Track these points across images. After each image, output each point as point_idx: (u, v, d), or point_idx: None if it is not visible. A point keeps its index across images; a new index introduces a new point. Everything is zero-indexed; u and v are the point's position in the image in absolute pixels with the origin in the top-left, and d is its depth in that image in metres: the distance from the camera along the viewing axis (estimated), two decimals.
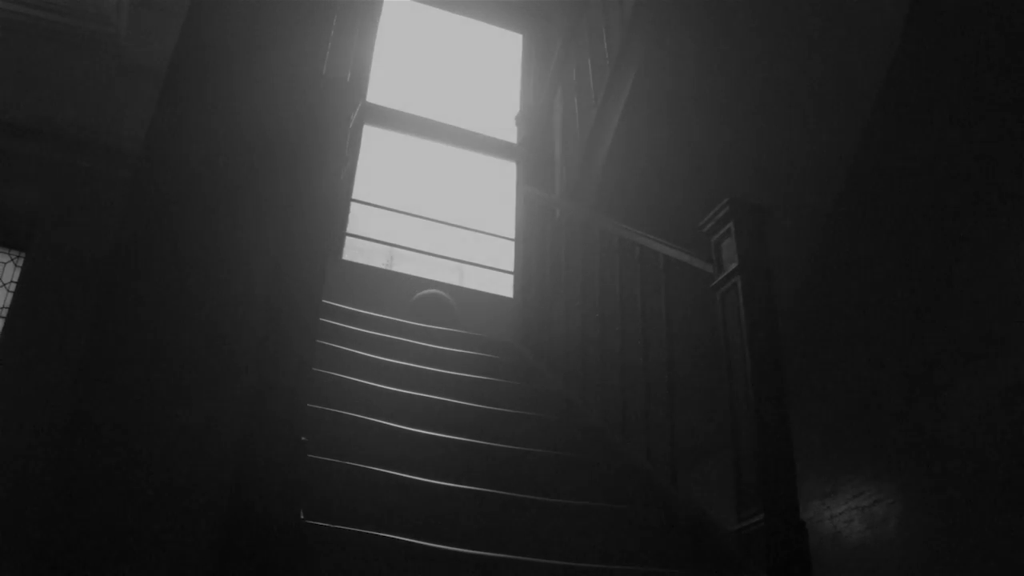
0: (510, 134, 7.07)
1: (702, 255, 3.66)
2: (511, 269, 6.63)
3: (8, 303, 5.10)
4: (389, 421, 3.48)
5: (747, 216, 3.48)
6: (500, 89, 7.52)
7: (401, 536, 2.61)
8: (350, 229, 6.42)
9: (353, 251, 6.40)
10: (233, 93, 2.99)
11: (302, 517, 2.31)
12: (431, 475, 3.15)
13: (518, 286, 6.29)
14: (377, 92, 7.04)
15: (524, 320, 5.59)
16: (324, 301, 4.89)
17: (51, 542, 2.07)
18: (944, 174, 4.92)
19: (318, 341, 4.13)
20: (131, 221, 2.65)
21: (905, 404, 4.84)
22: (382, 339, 4.61)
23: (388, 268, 6.49)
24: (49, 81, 5.62)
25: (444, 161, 7.04)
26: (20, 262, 5.28)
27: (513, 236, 6.75)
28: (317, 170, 2.73)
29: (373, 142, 6.86)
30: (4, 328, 4.93)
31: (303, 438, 2.36)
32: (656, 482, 3.69)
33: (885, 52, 5.27)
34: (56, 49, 5.74)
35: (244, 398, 2.31)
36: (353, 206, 6.50)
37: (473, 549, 2.70)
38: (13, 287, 5.16)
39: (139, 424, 2.26)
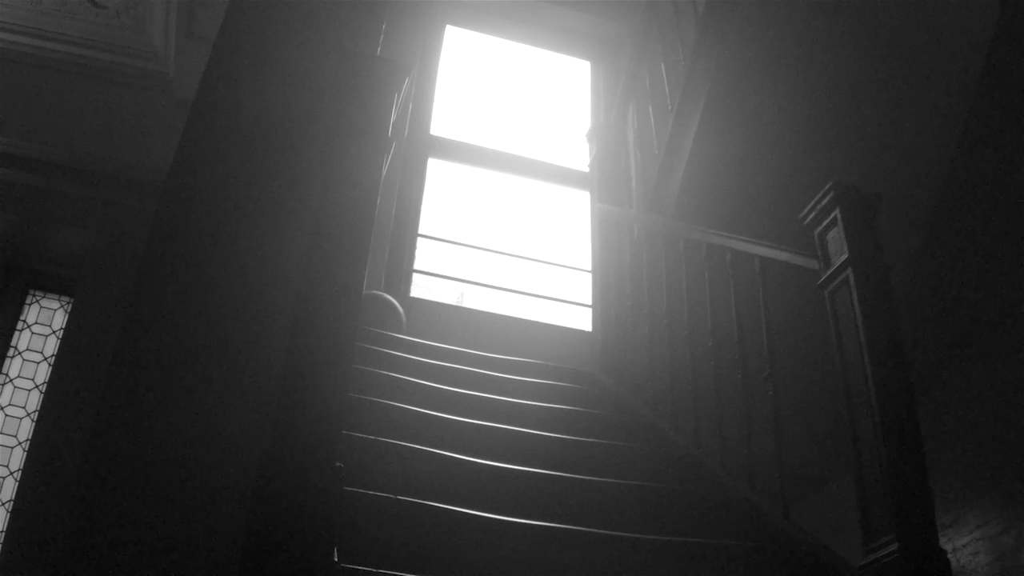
0: (581, 163, 6.71)
1: (804, 251, 3.21)
2: (588, 303, 6.23)
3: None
4: (460, 454, 3.09)
5: (856, 201, 3.02)
6: (569, 118, 7.20)
7: None
8: (418, 265, 6.09)
9: (422, 288, 6.07)
10: (269, 79, 2.72)
11: (336, 559, 1.89)
12: (504, 511, 2.73)
13: (596, 317, 5.89)
14: (444, 125, 6.75)
15: (604, 347, 5.17)
16: (395, 335, 4.60)
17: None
18: None
19: (392, 375, 3.82)
20: (163, 221, 2.41)
21: None
22: (455, 370, 4.24)
23: (459, 304, 6.15)
24: (98, 120, 5.43)
25: (515, 194, 6.72)
26: (70, 308, 5.02)
27: (589, 268, 6.34)
28: (356, 152, 2.36)
29: (441, 176, 6.56)
30: (51, 376, 4.66)
31: (338, 464, 1.95)
32: (764, 515, 3.22)
33: (984, 31, 4.77)
34: (105, 88, 5.56)
35: (266, 416, 1.93)
36: (421, 241, 6.18)
37: None
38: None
39: (145, 446, 1.92)
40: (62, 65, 5.56)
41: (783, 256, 3.34)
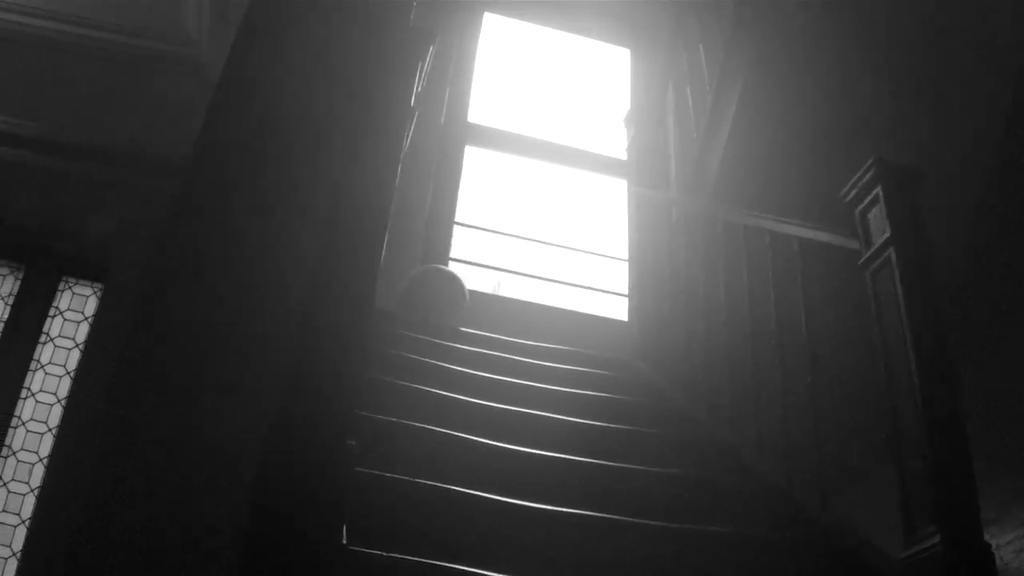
0: (619, 151, 6.59)
1: (844, 231, 3.09)
2: (625, 292, 6.12)
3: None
4: (494, 440, 3.01)
5: (898, 178, 2.89)
6: (607, 108, 7.09)
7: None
8: (454, 253, 6.03)
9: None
10: (291, 61, 2.66)
11: (344, 542, 1.81)
12: (538, 499, 2.64)
13: (633, 305, 5.79)
14: (481, 113, 6.68)
15: (642, 334, 5.07)
16: (428, 320, 4.54)
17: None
18: None
19: (424, 359, 3.75)
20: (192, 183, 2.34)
21: None
22: (491, 357, 4.17)
23: (496, 293, 6.08)
24: (131, 105, 5.39)
25: (553, 182, 6.62)
26: (101, 293, 4.99)
27: (626, 257, 6.24)
28: (379, 118, 2.29)
29: (479, 164, 6.50)
30: (81, 362, 4.63)
31: (352, 442, 1.87)
32: (800, 504, 3.10)
33: None
34: (138, 73, 5.51)
35: (274, 390, 1.86)
36: (457, 229, 6.11)
37: None
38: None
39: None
40: (94, 51, 5.53)
41: (822, 236, 3.23)
